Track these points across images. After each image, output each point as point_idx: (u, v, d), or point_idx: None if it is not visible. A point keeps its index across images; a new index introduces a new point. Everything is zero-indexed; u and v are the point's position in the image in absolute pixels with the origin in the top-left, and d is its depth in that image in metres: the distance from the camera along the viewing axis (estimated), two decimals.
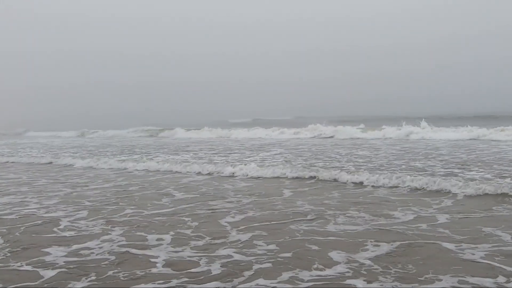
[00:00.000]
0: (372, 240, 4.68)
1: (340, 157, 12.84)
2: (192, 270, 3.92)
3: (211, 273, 3.86)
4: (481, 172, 8.85)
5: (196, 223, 5.54)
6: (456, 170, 9.18)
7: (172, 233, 5.12)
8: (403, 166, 10.07)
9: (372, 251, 4.33)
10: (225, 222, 5.59)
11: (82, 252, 4.50)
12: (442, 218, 5.48)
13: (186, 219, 5.79)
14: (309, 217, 5.76)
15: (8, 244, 4.85)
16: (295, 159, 12.52)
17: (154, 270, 3.93)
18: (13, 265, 4.17)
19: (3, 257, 4.42)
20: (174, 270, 3.92)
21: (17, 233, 5.28)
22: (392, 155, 13.05)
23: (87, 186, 8.96)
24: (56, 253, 4.47)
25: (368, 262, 4.03)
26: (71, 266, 4.08)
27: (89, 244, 4.75)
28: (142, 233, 5.16)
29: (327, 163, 11.06)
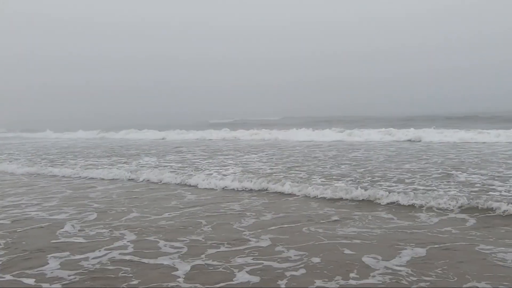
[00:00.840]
0: (404, 243, 4.34)
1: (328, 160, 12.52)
2: (223, 283, 3.47)
3: (248, 285, 3.43)
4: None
5: (210, 228, 5.09)
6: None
7: (185, 239, 4.66)
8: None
9: (406, 255, 3.99)
10: (240, 226, 5.17)
11: (89, 261, 4.01)
12: (471, 220, 5.18)
13: (199, 223, 5.34)
14: (333, 218, 5.39)
15: (7, 251, 4.35)
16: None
17: (175, 283, 3.47)
18: (13, 277, 3.68)
19: (3, 266, 3.92)
20: (201, 284, 3.46)
21: (14, 238, 4.76)
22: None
23: (92, 187, 8.38)
24: (61, 262, 3.98)
25: (404, 267, 3.69)
26: (78, 278, 3.61)
27: (96, 252, 4.25)
28: (153, 239, 4.70)
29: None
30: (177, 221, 5.47)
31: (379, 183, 7.43)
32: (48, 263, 3.99)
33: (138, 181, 8.83)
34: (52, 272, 3.77)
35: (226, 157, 12.90)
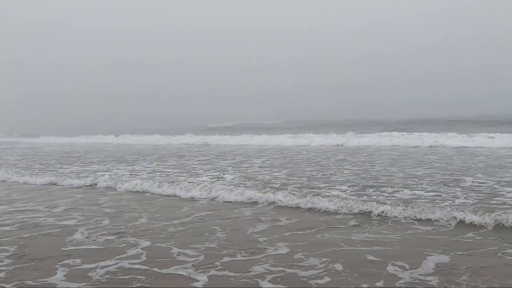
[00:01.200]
0: (426, 249, 4.12)
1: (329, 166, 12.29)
2: None
3: None
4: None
5: (224, 234, 4.83)
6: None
7: (199, 246, 4.40)
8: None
9: (431, 262, 3.77)
10: (254, 232, 4.92)
11: (100, 270, 3.75)
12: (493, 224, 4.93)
13: (212, 229, 5.08)
14: (350, 223, 5.15)
15: (13, 260, 4.09)
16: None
17: None
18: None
19: (7, 276, 3.68)
20: None
21: (21, 245, 4.50)
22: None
23: (101, 192, 8.06)
24: (70, 272, 3.73)
25: (431, 276, 3.47)
26: None
27: (107, 261, 3.98)
28: (166, 246, 4.46)
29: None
30: (190, 227, 5.23)
31: (382, 188, 7.12)
32: (56, 273, 3.73)
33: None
34: (60, 283, 3.51)
35: (227, 161, 12.69)
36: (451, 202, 5.96)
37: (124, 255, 4.16)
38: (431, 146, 15.94)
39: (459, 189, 6.92)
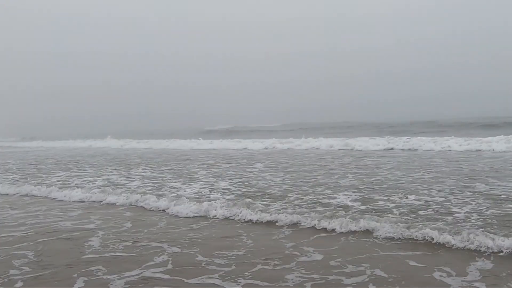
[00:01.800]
0: (468, 254, 3.78)
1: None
2: None
3: None
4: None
5: (250, 240, 4.44)
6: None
7: (228, 253, 4.01)
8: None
9: (473, 268, 3.43)
10: (280, 236, 4.54)
11: (124, 280, 3.37)
12: None
13: (237, 234, 4.71)
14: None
15: (29, 269, 3.71)
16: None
17: None
18: None
19: (25, 285, 3.31)
20: None
21: (38, 251, 4.14)
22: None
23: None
24: (92, 282, 3.36)
25: (479, 282, 3.14)
26: None
27: (134, 271, 3.59)
28: (190, 252, 4.09)
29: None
30: (213, 231, 4.87)
31: (385, 194, 6.44)
32: (76, 283, 3.37)
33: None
34: None
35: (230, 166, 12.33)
36: (460, 206, 5.44)
37: (150, 264, 3.77)
38: (431, 150, 15.04)
39: (470, 193, 6.25)
